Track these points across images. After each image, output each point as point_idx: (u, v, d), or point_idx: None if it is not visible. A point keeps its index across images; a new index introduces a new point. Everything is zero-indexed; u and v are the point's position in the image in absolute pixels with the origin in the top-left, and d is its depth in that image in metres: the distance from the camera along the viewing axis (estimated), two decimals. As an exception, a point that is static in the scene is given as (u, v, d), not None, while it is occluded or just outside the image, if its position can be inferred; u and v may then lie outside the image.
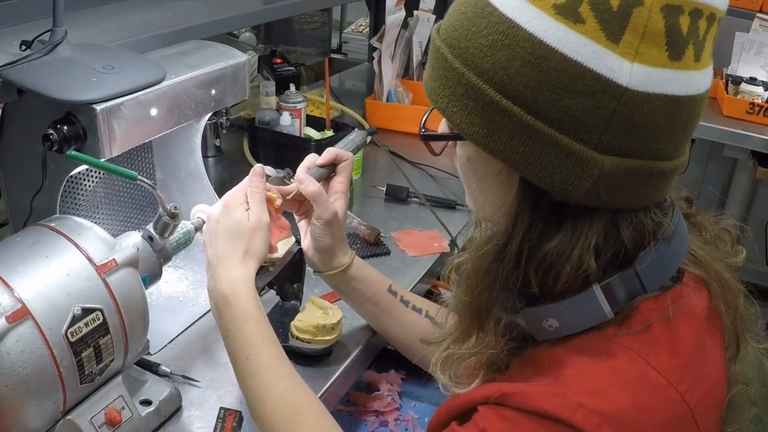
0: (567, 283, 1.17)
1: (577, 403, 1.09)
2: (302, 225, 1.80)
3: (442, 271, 1.49)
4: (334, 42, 5.44)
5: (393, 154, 2.90)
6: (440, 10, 3.86)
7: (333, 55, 5.08)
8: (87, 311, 1.39)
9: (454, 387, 1.30)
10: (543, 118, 1.07)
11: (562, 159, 1.09)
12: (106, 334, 1.43)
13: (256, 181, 1.61)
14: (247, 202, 1.58)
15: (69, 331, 1.36)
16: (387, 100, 3.51)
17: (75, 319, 1.37)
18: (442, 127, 1.29)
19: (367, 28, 5.13)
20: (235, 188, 1.62)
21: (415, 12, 3.55)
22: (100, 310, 1.41)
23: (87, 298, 1.40)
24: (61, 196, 1.78)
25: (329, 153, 1.75)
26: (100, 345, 1.42)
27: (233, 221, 1.55)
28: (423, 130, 1.31)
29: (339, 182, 1.76)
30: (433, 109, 1.25)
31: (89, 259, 1.43)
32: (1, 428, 1.36)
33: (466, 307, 1.29)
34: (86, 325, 1.39)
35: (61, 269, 1.40)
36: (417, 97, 3.55)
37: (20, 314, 1.30)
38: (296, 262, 1.76)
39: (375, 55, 3.43)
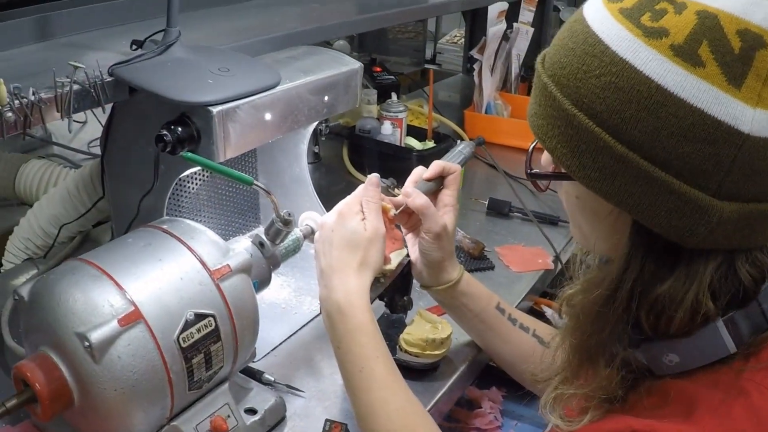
0: (680, 327, 1.12)
1: None
2: (410, 238, 1.75)
3: (557, 298, 1.43)
4: (428, 53, 5.40)
5: (493, 168, 2.85)
6: (539, 23, 3.83)
7: (427, 66, 5.03)
8: (200, 317, 1.36)
9: (566, 427, 1.24)
10: (660, 165, 1.02)
11: (679, 206, 1.04)
12: (218, 341, 1.40)
13: (372, 191, 1.57)
14: (363, 212, 1.54)
15: (181, 336, 1.33)
16: (486, 112, 3.47)
17: (187, 325, 1.34)
18: (546, 159, 1.25)
19: (462, 39, 5.09)
20: (349, 197, 1.58)
21: (515, 24, 3.49)
22: (213, 316, 1.39)
23: (200, 303, 1.37)
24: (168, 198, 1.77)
25: (436, 166, 1.71)
26: (210, 352, 1.39)
27: (349, 231, 1.51)
28: (530, 167, 1.28)
29: (448, 195, 1.71)
30: (536, 142, 1.20)
31: (203, 263, 1.41)
32: (106, 432, 1.34)
33: (575, 349, 1.25)
34: (198, 330, 1.36)
35: (175, 273, 1.37)
36: (515, 111, 3.50)
37: (133, 317, 1.28)
38: (405, 274, 1.72)
39: (475, 66, 3.38)
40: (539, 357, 1.47)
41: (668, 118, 1.00)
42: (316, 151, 3.09)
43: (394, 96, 2.98)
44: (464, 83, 4.42)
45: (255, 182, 1.45)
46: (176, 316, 1.33)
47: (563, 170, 1.14)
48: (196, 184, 2.01)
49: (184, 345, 1.34)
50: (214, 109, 1.54)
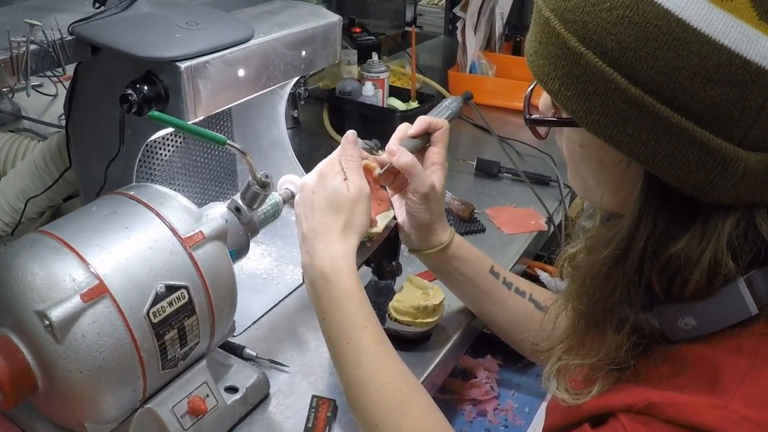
0: (697, 290, 1.02)
1: (742, 416, 0.95)
2: (396, 200, 1.66)
3: (556, 261, 1.33)
4: (409, 15, 5.30)
5: (480, 128, 2.76)
6: None
7: (407, 29, 4.93)
8: (171, 289, 1.26)
9: (573, 400, 1.14)
10: (680, 110, 0.91)
11: (700, 156, 0.93)
12: (192, 315, 1.30)
13: (350, 149, 1.48)
14: (344, 172, 1.44)
15: (151, 311, 1.23)
16: (470, 72, 3.39)
17: (158, 298, 1.24)
18: (545, 103, 1.15)
19: (443, 1, 4.98)
20: (330, 156, 1.49)
21: None
22: (186, 287, 1.29)
23: (171, 274, 1.27)
24: (138, 165, 1.67)
25: (422, 121, 1.61)
26: (184, 326, 1.29)
27: (331, 191, 1.42)
28: (529, 113, 1.17)
29: (435, 153, 1.61)
30: (535, 85, 1.10)
31: (174, 231, 1.30)
32: (75, 418, 1.25)
33: (581, 315, 1.15)
34: (170, 304, 1.26)
35: (143, 242, 1.27)
36: (500, 70, 3.42)
37: (97, 292, 1.17)
38: (393, 238, 1.63)
39: (458, 24, 3.32)
40: (537, 323, 1.39)
41: (690, 57, 0.89)
42: (296, 115, 3.01)
43: (375, 56, 2.90)
44: (446, 45, 4.36)
45: (228, 142, 1.34)
46: (145, 288, 1.23)
47: (567, 116, 1.03)
48: (169, 150, 1.91)
49: (155, 320, 1.24)
50: (182, 65, 1.44)
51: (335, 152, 1.49)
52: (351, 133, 1.51)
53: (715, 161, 0.93)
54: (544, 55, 1.02)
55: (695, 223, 0.99)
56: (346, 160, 1.45)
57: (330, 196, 1.41)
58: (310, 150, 2.78)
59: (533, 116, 1.16)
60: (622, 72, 0.93)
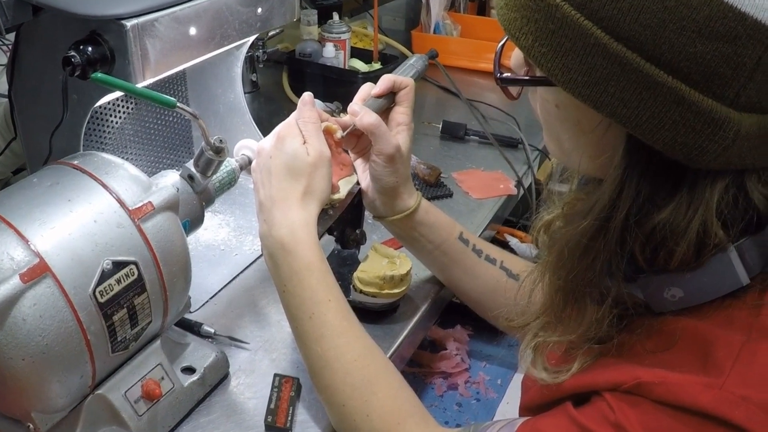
0: (684, 262, 0.95)
1: (740, 396, 0.89)
2: (360, 164, 1.58)
3: (530, 229, 1.26)
4: (371, -25, 5.23)
5: (445, 90, 2.68)
6: None
7: (370, -11, 4.87)
8: (119, 265, 1.17)
9: (552, 379, 1.07)
10: (666, 67, 0.84)
11: (688, 118, 0.85)
12: (142, 292, 1.21)
13: (307, 111, 1.40)
14: (302, 135, 1.35)
15: (98, 290, 1.14)
16: (434, 33, 3.33)
17: (104, 276, 1.15)
18: (517, 60, 1.06)
19: (407, -41, 4.91)
20: (288, 119, 1.41)
21: None
22: (135, 263, 1.20)
23: (119, 249, 1.18)
24: (87, 133, 1.61)
25: (386, 80, 1.53)
26: (134, 305, 1.21)
27: (290, 156, 1.34)
28: (499, 72, 1.07)
29: (401, 113, 1.53)
30: (506, 41, 1.04)
31: (121, 202, 1.21)
32: (21, 407, 1.16)
33: (558, 289, 1.07)
34: (118, 282, 1.17)
35: (87, 215, 1.17)
36: (465, 30, 3.37)
37: (38, 271, 1.08)
38: (356, 204, 1.56)
39: None
40: (509, 293, 1.31)
41: (678, 8, 0.81)
42: (254, 79, 2.92)
43: (335, 16, 2.82)
44: (409, 6, 4.28)
45: (179, 104, 1.25)
46: (91, 266, 1.14)
47: (541, 74, 0.95)
48: (120, 117, 1.82)
49: (101, 300, 1.15)
50: (128, 23, 1.35)
51: (293, 115, 1.41)
52: (307, 95, 1.43)
53: (704, 124, 0.85)
54: (516, 7, 0.94)
55: (681, 189, 0.92)
56: (304, 122, 1.38)
57: (288, 161, 1.33)
58: (270, 115, 2.70)
59: (504, 75, 1.07)
60: (602, 25, 0.86)
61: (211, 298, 1.68)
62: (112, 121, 1.79)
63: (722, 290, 0.96)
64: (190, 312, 1.56)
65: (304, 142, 1.35)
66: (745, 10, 0.80)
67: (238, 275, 1.77)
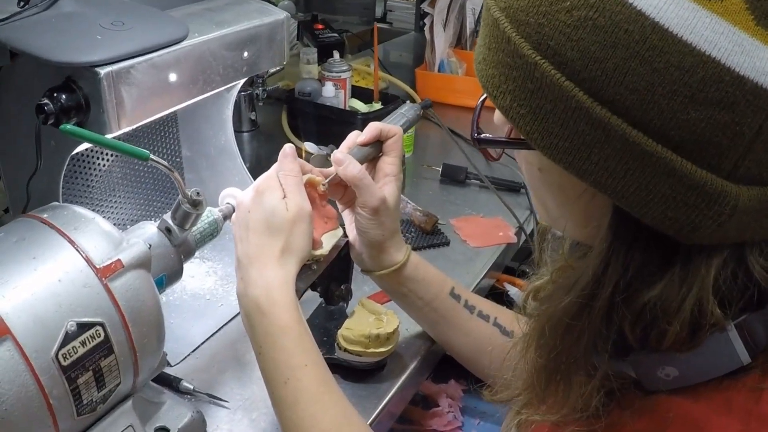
0: (677, 342, 0.87)
1: None
2: (347, 215, 1.53)
3: (525, 288, 1.20)
4: (378, 10, 5.20)
5: (447, 131, 2.63)
6: None
7: (377, 24, 4.83)
8: (84, 327, 1.11)
9: None
10: (655, 135, 0.77)
11: (680, 191, 0.78)
12: (109, 354, 1.15)
13: (288, 164, 1.35)
14: (283, 189, 1.31)
15: (60, 352, 1.08)
16: (439, 71, 3.28)
17: (68, 338, 1.09)
18: (500, 119, 0.98)
19: (414, -4, 4.89)
20: (268, 171, 1.36)
21: None
22: (101, 324, 1.13)
23: (84, 310, 1.12)
24: (71, 177, 1.58)
25: (373, 128, 1.47)
26: (101, 367, 1.14)
27: (268, 211, 1.29)
28: (477, 131, 1.02)
29: (388, 163, 1.47)
30: (485, 98, 0.98)
31: (88, 260, 1.15)
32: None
33: (540, 369, 1.00)
34: (83, 344, 1.11)
35: (52, 274, 1.12)
36: (471, 68, 3.28)
37: (-2, 333, 1.02)
38: (343, 257, 1.51)
39: (426, 21, 3.22)
40: (503, 351, 1.23)
41: (668, 71, 0.74)
42: (253, 117, 2.89)
43: (336, 54, 2.78)
44: (416, 42, 4.27)
45: (152, 157, 1.20)
46: (54, 327, 1.08)
47: (522, 136, 0.88)
48: (107, 159, 1.77)
49: (65, 363, 1.09)
50: (102, 71, 1.31)
51: (274, 167, 1.36)
52: (289, 146, 1.38)
53: (698, 198, 0.78)
54: (494, 63, 0.88)
55: (674, 264, 0.85)
56: (285, 175, 1.33)
57: (267, 216, 1.29)
58: (269, 154, 2.65)
59: (482, 135, 1.01)
60: (584, 87, 0.78)
61: (192, 351, 1.62)
62: (98, 164, 1.74)
63: (721, 370, 0.89)
64: (171, 366, 1.51)
65: (284, 197, 1.30)
66: (745, 73, 0.73)
67: (222, 327, 1.71)
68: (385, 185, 1.44)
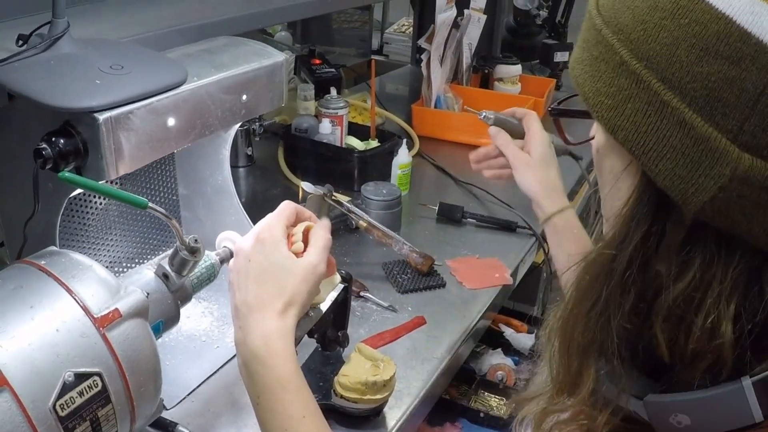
0: (699, 346, 0.88)
1: None
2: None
3: (540, 325, 1.21)
4: (375, 42, 5.23)
5: (442, 171, 2.63)
6: (492, 9, 3.69)
7: (374, 57, 4.84)
8: (81, 377, 1.11)
9: None
10: (674, 88, 0.82)
11: (687, 144, 0.82)
12: (107, 404, 1.15)
13: (321, 228, 1.38)
14: (291, 237, 1.34)
15: (58, 403, 1.07)
16: (435, 107, 3.28)
17: (66, 388, 1.08)
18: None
19: (411, 28, 4.92)
20: (270, 218, 1.35)
21: (466, 11, 3.33)
22: (99, 374, 1.13)
23: (82, 360, 1.11)
24: (68, 215, 1.59)
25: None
26: (98, 417, 1.14)
27: (276, 266, 1.30)
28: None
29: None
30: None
31: (85, 309, 1.15)
32: None
33: (572, 351, 1.01)
34: (80, 394, 1.10)
35: (50, 323, 1.11)
36: (467, 104, 3.31)
37: (-5, 384, 1.02)
38: (340, 303, 1.50)
39: (423, 57, 3.21)
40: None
41: (690, 26, 0.81)
42: (249, 153, 2.88)
43: (333, 91, 2.78)
44: (413, 75, 4.28)
45: (150, 205, 1.19)
46: (51, 378, 1.08)
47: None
48: (104, 199, 1.77)
49: (62, 413, 1.08)
50: (101, 116, 1.31)
51: (276, 212, 1.36)
52: (292, 206, 1.39)
53: (702, 153, 0.81)
54: (583, 47, 0.98)
55: (693, 252, 0.88)
56: (318, 235, 1.36)
57: (274, 270, 1.29)
58: (265, 190, 2.64)
59: (555, 107, 1.15)
60: (630, 47, 0.87)
61: (188, 394, 1.61)
62: (95, 203, 1.74)
63: (732, 424, 0.90)
64: (167, 410, 1.50)
65: (290, 246, 1.31)
66: (750, 29, 0.78)
67: (218, 369, 1.70)
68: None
